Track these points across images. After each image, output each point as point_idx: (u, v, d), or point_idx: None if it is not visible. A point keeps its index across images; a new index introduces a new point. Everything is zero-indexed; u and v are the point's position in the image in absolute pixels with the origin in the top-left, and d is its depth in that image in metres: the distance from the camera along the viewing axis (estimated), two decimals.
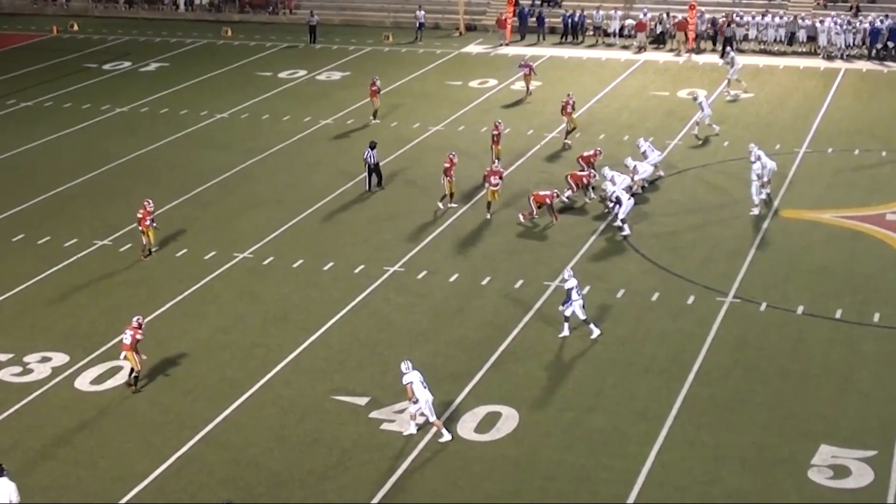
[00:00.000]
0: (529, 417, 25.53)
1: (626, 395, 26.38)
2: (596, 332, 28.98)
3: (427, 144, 45.23)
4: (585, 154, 39.48)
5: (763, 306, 30.60)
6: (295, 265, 33.99)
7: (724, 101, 49.81)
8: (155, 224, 34.69)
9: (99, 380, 27.71)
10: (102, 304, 31.78)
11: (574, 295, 28.82)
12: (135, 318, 27.29)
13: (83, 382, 27.67)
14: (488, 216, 36.62)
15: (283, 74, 56.77)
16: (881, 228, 35.43)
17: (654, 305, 30.84)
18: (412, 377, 24.63)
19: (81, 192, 40.83)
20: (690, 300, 31.01)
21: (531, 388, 26.83)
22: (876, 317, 29.81)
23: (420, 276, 32.97)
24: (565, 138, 44.05)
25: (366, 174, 39.84)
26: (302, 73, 57.07)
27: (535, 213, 36.18)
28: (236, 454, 24.54)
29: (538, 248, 34.73)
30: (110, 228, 36.92)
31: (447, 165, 37.42)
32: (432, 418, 24.69)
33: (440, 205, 37.65)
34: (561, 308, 29.12)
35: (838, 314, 30.03)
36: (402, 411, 25.61)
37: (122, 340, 27.26)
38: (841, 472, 23.22)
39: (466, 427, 25.21)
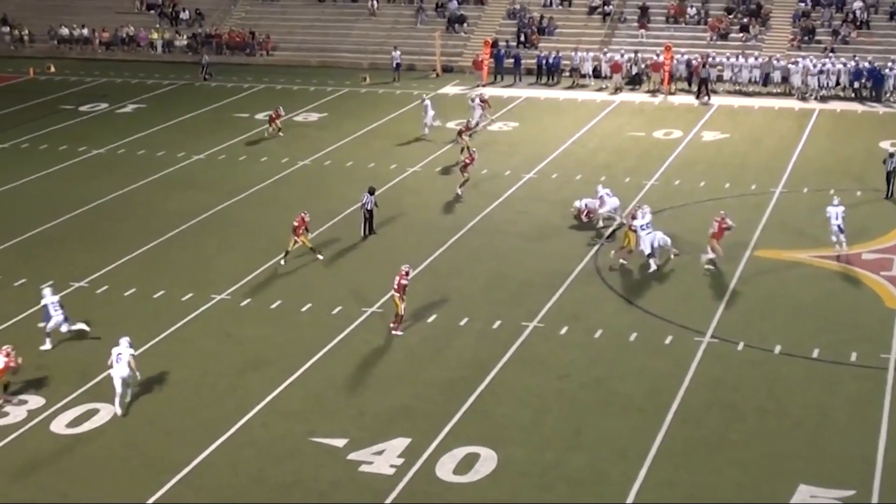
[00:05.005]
0: (508, 458, 25.44)
1: (605, 435, 26.35)
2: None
3: (405, 185, 45.31)
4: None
5: (741, 346, 30.68)
6: (273, 306, 33.92)
7: (700, 143, 50.16)
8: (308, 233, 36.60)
9: (75, 422, 27.49)
10: (79, 346, 31.58)
11: (51, 313, 30.97)
12: (3, 348, 28.40)
13: (59, 425, 27.45)
14: (399, 332, 31.85)
15: (260, 116, 56.83)
16: (857, 268, 35.62)
17: (631, 345, 30.88)
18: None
19: (58, 234, 40.68)
20: (668, 340, 31.06)
21: (510, 428, 26.78)
22: (853, 356, 29.91)
23: None
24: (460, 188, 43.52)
25: (362, 220, 39.61)
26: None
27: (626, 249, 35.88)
28: (214, 496, 24.36)
29: (515, 289, 34.74)
30: (87, 270, 36.76)
31: (296, 224, 36.65)
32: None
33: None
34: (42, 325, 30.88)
35: (815, 353, 30.13)
36: (381, 452, 25.55)
37: None
38: None
39: (445, 468, 25.10)
